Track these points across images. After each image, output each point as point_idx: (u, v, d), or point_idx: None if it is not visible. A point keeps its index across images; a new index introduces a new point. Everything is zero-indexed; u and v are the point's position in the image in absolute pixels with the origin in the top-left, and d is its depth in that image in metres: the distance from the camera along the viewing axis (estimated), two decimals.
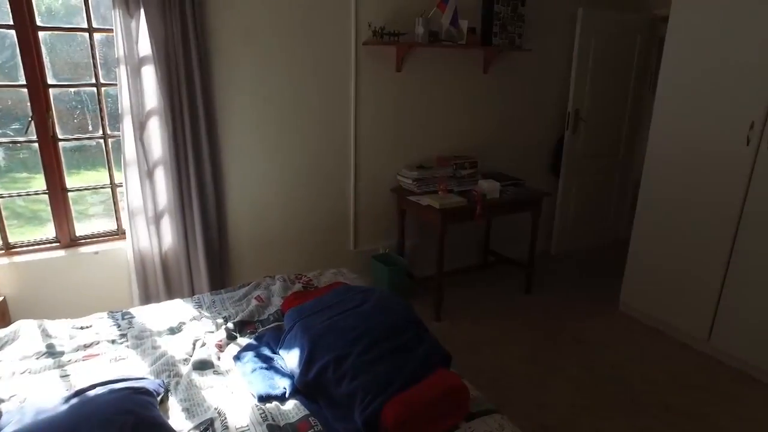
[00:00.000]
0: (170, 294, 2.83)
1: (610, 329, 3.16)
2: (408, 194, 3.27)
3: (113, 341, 1.94)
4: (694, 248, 2.86)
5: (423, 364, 1.64)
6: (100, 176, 2.82)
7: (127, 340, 1.94)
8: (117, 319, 2.10)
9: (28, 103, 2.51)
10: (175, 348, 1.89)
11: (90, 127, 2.72)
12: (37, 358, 1.80)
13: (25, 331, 1.96)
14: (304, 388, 1.67)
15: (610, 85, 4.13)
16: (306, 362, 1.67)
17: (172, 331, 2.03)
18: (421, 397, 1.50)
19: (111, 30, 2.48)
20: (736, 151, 2.60)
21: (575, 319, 3.26)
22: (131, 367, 1.76)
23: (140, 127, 2.60)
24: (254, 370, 1.72)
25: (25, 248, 2.68)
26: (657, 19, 4.11)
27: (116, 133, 2.72)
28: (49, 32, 2.51)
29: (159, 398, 1.57)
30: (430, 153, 3.56)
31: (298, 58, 2.96)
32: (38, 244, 2.72)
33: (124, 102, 2.53)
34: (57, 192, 2.66)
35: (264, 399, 1.61)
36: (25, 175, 2.71)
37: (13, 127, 2.56)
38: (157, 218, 2.74)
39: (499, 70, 3.68)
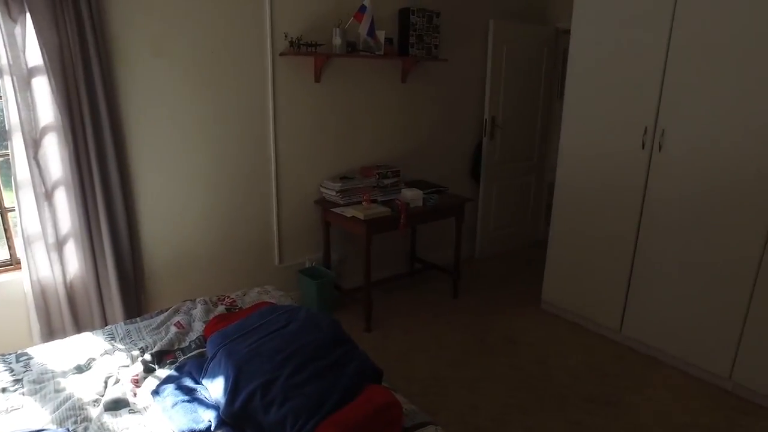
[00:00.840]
0: (78, 327, 2.58)
1: (535, 327, 3.30)
2: (332, 206, 3.23)
3: (3, 390, 1.71)
4: (604, 245, 3.06)
5: (354, 381, 1.61)
6: None
7: (22, 386, 1.73)
8: (9, 363, 1.87)
9: None
10: (83, 388, 1.71)
11: None
12: None
13: None
14: (230, 419, 1.57)
15: (523, 92, 4.35)
16: (231, 390, 1.58)
17: (80, 369, 1.84)
18: (353, 417, 1.46)
19: None
20: (634, 154, 2.81)
21: (502, 320, 3.37)
22: (27, 418, 1.56)
23: (34, 145, 2.36)
24: (175, 404, 1.60)
25: None
26: (561, 31, 4.38)
27: (5, 151, 2.45)
28: None
29: None
30: (353, 163, 3.54)
31: (212, 69, 2.84)
32: None
33: (12, 117, 2.29)
34: None
35: None
36: None
37: None
38: (60, 244, 2.50)
39: (417, 79, 3.75)
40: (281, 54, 3.03)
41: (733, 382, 2.62)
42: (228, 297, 2.40)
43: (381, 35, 3.28)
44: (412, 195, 3.23)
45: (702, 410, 2.50)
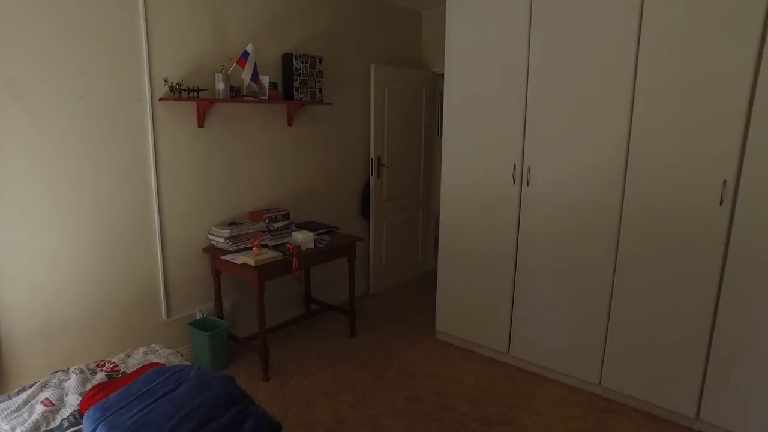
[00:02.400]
0: None
1: (431, 357, 3.42)
2: (222, 253, 3.13)
3: None
4: (488, 273, 3.29)
5: None
6: None
7: None
8: None
9: None
10: None
11: None
12: None
13: None
14: None
15: (406, 132, 4.60)
16: None
17: None
18: None
19: None
20: (506, 188, 3.10)
21: (399, 354, 3.45)
22: None
23: None
24: None
25: None
26: (437, 75, 4.75)
27: None
28: None
29: None
30: (242, 208, 3.47)
31: (81, 115, 2.64)
32: None
33: None
34: None
35: None
36: None
37: None
38: None
39: (303, 122, 3.81)
40: (161, 99, 2.92)
41: (602, 387, 2.92)
42: (109, 362, 2.19)
43: (265, 80, 3.31)
44: (303, 237, 3.24)
45: (578, 417, 2.75)
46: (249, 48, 3.11)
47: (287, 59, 3.54)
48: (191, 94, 2.95)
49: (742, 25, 2.24)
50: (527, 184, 3.01)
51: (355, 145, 4.31)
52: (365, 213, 4.42)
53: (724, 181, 2.36)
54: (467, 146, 3.26)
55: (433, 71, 4.76)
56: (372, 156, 4.31)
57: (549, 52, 2.83)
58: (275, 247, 3.19)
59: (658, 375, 2.68)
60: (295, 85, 3.55)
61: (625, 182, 2.65)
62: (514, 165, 3.05)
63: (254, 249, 3.02)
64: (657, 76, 2.49)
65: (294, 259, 3.04)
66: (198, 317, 3.28)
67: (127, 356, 2.26)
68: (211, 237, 3.24)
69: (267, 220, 3.33)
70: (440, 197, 3.48)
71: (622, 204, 2.68)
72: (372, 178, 4.33)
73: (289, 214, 3.49)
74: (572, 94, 2.77)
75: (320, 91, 3.74)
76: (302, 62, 3.58)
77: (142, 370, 1.97)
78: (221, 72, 3.06)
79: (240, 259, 2.97)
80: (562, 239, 2.92)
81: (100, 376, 2.07)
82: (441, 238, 3.52)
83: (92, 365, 2.16)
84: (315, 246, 3.31)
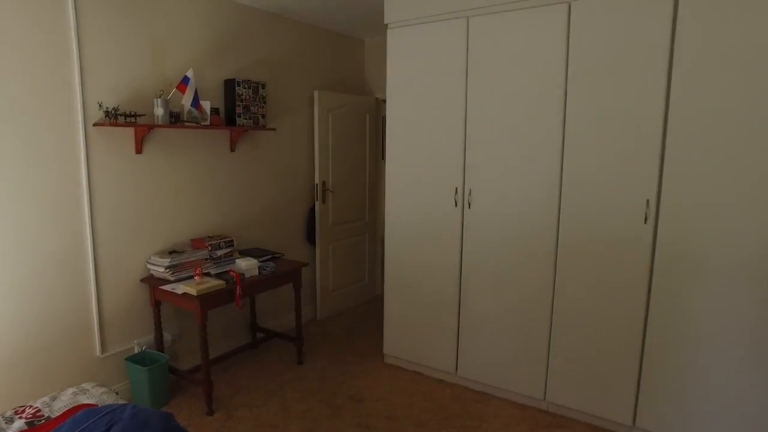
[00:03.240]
0: None
1: (380, 382, 3.40)
2: (161, 283, 3.01)
3: None
4: (434, 294, 3.34)
5: None
6: None
7: None
8: None
9: None
10: None
11: None
12: None
13: None
14: None
15: (351, 156, 4.64)
16: None
17: None
18: None
19: None
20: (449, 211, 3.19)
21: (348, 379, 3.41)
22: None
23: None
24: None
25: None
26: (381, 100, 4.85)
27: None
28: None
29: None
30: (183, 236, 3.36)
31: (8, 139, 2.50)
32: None
33: None
34: None
35: None
36: None
37: None
38: None
39: (246, 148, 3.78)
40: (95, 124, 2.82)
41: (547, 402, 3.01)
42: (30, 407, 2.02)
43: (206, 105, 3.27)
44: (246, 265, 3.18)
45: None
46: (189, 73, 3.07)
47: (229, 85, 3.52)
48: (128, 119, 2.86)
49: (653, 59, 2.45)
50: (469, 207, 3.11)
51: (300, 170, 4.31)
52: (311, 238, 4.39)
53: (647, 201, 2.53)
54: (410, 170, 3.34)
55: (376, 97, 4.86)
56: (317, 181, 4.31)
57: (485, 80, 2.97)
58: (218, 276, 3.11)
59: (597, 386, 2.80)
60: (237, 110, 3.52)
61: (560, 203, 2.79)
62: (456, 188, 3.14)
63: (196, 278, 2.93)
64: (584, 103, 2.66)
65: (238, 287, 2.98)
66: (136, 351, 3.12)
67: (53, 399, 2.10)
68: (150, 266, 3.11)
69: (209, 248, 3.25)
70: (384, 221, 3.53)
71: (558, 224, 2.81)
72: (317, 203, 4.33)
73: (232, 241, 3.42)
74: (509, 119, 2.91)
75: (263, 116, 3.73)
76: (245, 88, 3.56)
77: (69, 413, 1.85)
78: (160, 97, 2.99)
79: (181, 288, 2.87)
80: (504, 259, 3.02)
81: (19, 425, 1.88)
82: (386, 262, 3.54)
83: (9, 413, 1.98)
84: (260, 273, 3.25)
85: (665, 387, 2.61)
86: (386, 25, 3.37)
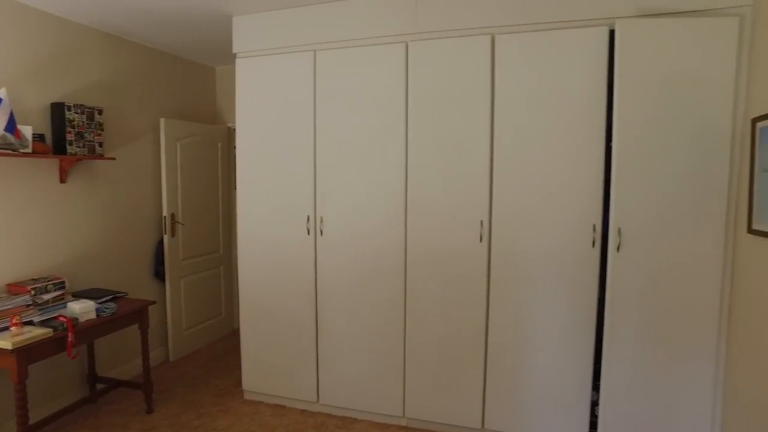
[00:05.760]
0: None
1: (240, 420, 3.24)
2: None
3: None
4: (291, 324, 3.30)
5: None
6: None
7: None
8: None
9: None
10: None
11: None
12: None
13: None
14: None
15: (202, 187, 4.45)
16: None
17: None
18: None
19: None
20: (302, 239, 3.21)
21: (206, 422, 3.20)
22: None
23: None
24: None
25: None
26: (233, 130, 4.74)
27: None
28: None
29: None
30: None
31: None
32: None
33: None
34: None
35: None
36: None
37: None
38: None
39: (81, 179, 3.42)
40: None
41: (407, 418, 3.13)
42: None
43: (27, 131, 2.90)
44: (81, 308, 2.84)
45: None
46: (2, 94, 2.72)
47: (57, 109, 3.18)
48: None
49: (479, 96, 2.78)
50: (321, 234, 3.17)
51: (146, 201, 4.01)
52: (160, 274, 4.09)
53: (481, 222, 2.83)
54: (262, 199, 3.31)
55: (228, 126, 4.75)
56: (165, 213, 4.05)
57: (333, 112, 3.09)
58: (44, 323, 2.73)
59: (450, 395, 2.99)
60: (68, 137, 3.19)
61: (407, 226, 2.98)
62: (308, 216, 3.19)
63: (12, 328, 2.54)
64: (423, 134, 2.90)
65: (69, 334, 2.65)
66: None
67: None
68: None
69: (32, 292, 2.85)
70: (237, 252, 3.43)
71: (406, 245, 2.99)
72: (166, 236, 4.05)
73: (63, 282, 3.04)
74: (357, 149, 3.05)
75: (100, 145, 3.42)
76: (77, 113, 3.25)
77: None
78: None
79: None
80: (357, 282, 3.12)
81: None
82: (241, 294, 3.44)
83: None
84: (98, 315, 2.93)
85: (507, 387, 2.88)
86: (235, 54, 3.35)
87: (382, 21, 2.98)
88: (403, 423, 3.15)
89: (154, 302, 3.34)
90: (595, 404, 2.79)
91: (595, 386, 2.78)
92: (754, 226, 2.23)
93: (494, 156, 2.79)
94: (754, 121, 2.25)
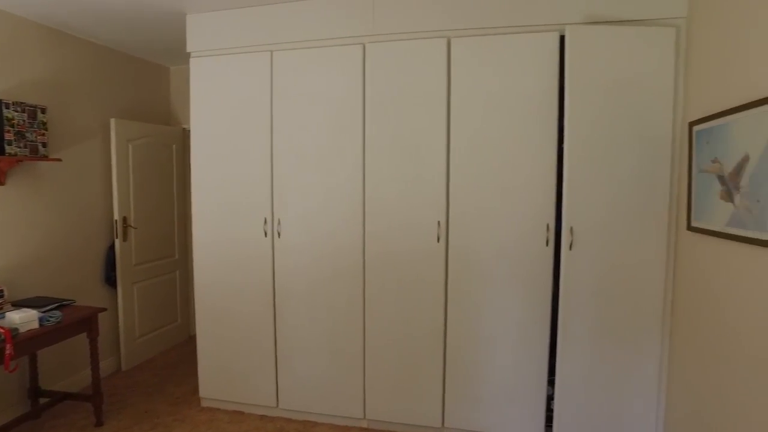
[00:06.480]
0: None
1: (197, 428, 3.15)
2: None
3: None
4: (249, 328, 3.24)
5: None
6: None
7: None
8: None
9: None
10: None
11: None
12: None
13: None
14: None
15: (156, 189, 4.31)
16: None
17: None
18: None
19: None
20: (259, 241, 3.16)
21: None
22: None
23: None
24: None
25: None
26: (187, 131, 4.61)
27: None
28: None
29: None
30: None
31: None
32: None
33: None
34: None
35: None
36: None
37: None
38: None
39: (22, 181, 3.25)
40: None
41: (367, 420, 3.13)
42: None
43: None
44: (21, 317, 2.69)
45: None
46: None
47: None
48: None
49: (436, 99, 2.82)
50: (279, 236, 3.13)
51: (96, 205, 3.85)
52: (111, 280, 3.93)
53: (438, 222, 2.86)
54: (218, 202, 3.24)
55: (183, 127, 4.63)
56: (116, 217, 3.90)
57: (291, 113, 3.06)
58: None
59: (410, 395, 3.01)
60: (6, 137, 3.03)
61: (365, 227, 2.99)
62: (265, 219, 3.14)
63: None
64: (381, 135, 2.92)
65: (8, 346, 2.50)
66: None
67: None
68: None
69: None
70: (193, 255, 3.35)
71: (364, 246, 3.00)
72: (117, 241, 3.90)
73: (2, 291, 2.88)
74: (314, 151, 3.04)
75: (44, 145, 3.27)
76: (17, 111, 3.09)
77: None
78: None
79: None
80: (316, 285, 3.10)
81: None
82: (197, 299, 3.35)
83: None
84: (41, 325, 2.79)
85: (465, 384, 2.92)
86: (189, 53, 3.28)
87: (340, 22, 2.99)
88: (364, 425, 3.15)
89: (104, 309, 3.21)
90: (550, 398, 2.87)
91: (551, 381, 2.86)
92: (693, 224, 2.35)
93: (451, 157, 2.83)
94: (691, 124, 2.38)
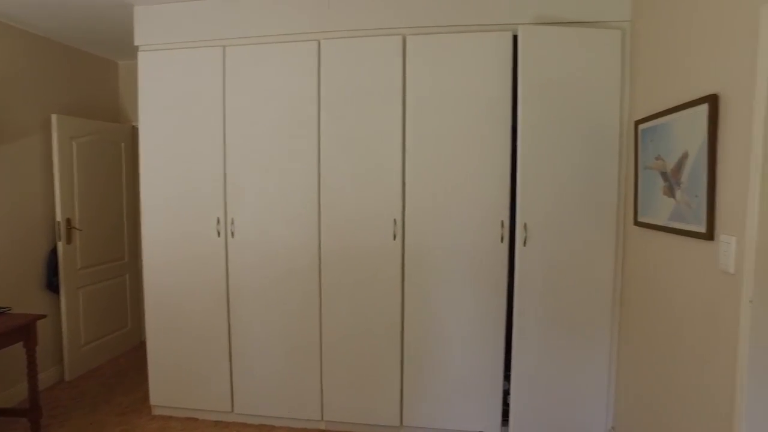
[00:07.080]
0: None
1: None
2: None
3: None
4: (202, 331, 3.14)
5: None
6: None
7: None
8: None
9: None
10: None
11: None
12: None
13: None
14: None
15: (104, 189, 4.13)
16: None
17: None
18: None
19: None
20: (212, 241, 3.07)
21: None
22: None
23: None
24: None
25: None
26: (137, 128, 4.43)
27: None
28: None
29: None
30: None
31: None
32: None
33: None
34: None
35: None
36: None
37: None
38: None
39: None
40: None
41: (325, 421, 3.08)
42: None
43: None
44: None
45: None
46: None
47: None
48: None
49: (391, 98, 2.82)
50: (232, 236, 3.05)
51: (35, 206, 3.64)
52: (53, 285, 3.72)
53: (395, 220, 2.86)
54: (168, 202, 3.13)
55: (133, 125, 4.46)
56: (59, 218, 3.70)
57: (244, 110, 2.99)
58: None
59: (367, 395, 2.98)
60: None
61: (320, 226, 2.95)
62: (218, 218, 3.06)
63: None
64: (336, 133, 2.89)
65: None
66: None
67: None
68: None
69: None
70: (143, 258, 3.22)
71: (320, 244, 2.96)
72: (60, 244, 3.71)
73: None
74: (268, 148, 2.97)
75: None
76: None
77: None
78: None
79: None
80: (271, 286, 3.03)
81: None
82: (147, 302, 3.22)
83: None
84: None
85: (423, 382, 2.93)
86: (137, 47, 3.15)
87: (294, 18, 2.94)
88: (322, 426, 3.10)
89: (43, 316, 3.03)
90: (507, 393, 2.91)
91: (507, 376, 2.90)
92: (639, 219, 2.44)
93: (406, 154, 2.83)
94: (637, 123, 2.47)
